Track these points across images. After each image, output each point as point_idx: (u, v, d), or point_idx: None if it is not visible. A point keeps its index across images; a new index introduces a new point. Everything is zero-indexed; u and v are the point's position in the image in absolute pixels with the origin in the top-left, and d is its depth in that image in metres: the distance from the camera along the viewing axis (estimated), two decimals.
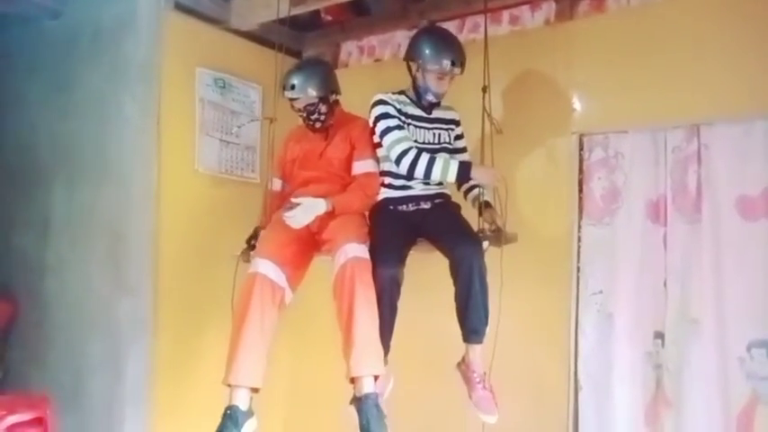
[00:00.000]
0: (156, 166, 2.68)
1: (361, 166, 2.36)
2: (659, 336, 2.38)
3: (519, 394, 2.55)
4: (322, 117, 2.39)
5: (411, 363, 2.46)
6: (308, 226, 2.20)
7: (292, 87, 2.33)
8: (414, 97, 2.36)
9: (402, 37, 3.14)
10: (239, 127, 3.01)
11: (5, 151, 3.19)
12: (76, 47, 2.89)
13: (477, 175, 2.21)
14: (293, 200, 2.19)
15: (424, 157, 2.20)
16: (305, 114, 2.38)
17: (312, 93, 2.34)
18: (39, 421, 2.39)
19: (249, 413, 2.05)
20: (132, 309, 2.63)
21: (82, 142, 2.85)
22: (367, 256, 2.09)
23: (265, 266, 2.12)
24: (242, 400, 2.02)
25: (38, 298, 2.95)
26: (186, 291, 2.80)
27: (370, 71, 3.19)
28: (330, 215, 2.23)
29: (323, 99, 2.37)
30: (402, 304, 2.17)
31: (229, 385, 2.05)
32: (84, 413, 2.68)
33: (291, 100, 2.38)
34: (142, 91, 2.68)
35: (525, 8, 2.78)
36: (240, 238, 2.48)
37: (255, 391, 2.09)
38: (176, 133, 2.76)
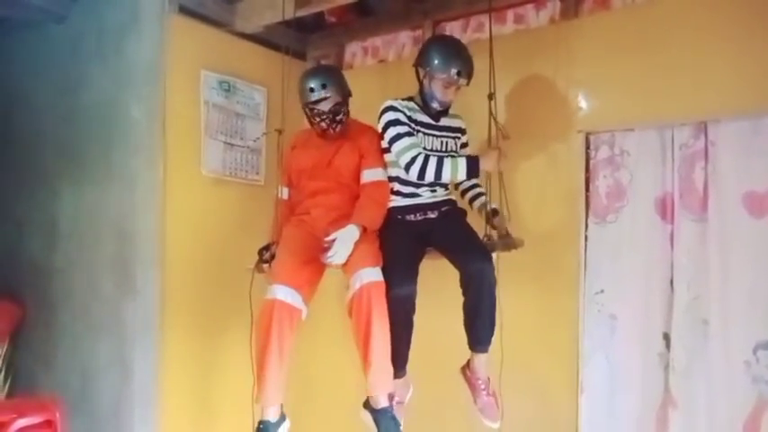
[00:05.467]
0: (162, 169, 2.68)
1: (370, 175, 2.35)
2: (665, 337, 2.36)
3: (527, 396, 2.54)
4: (344, 119, 2.39)
5: (426, 366, 2.46)
6: (321, 242, 2.22)
7: (323, 86, 2.32)
8: (422, 104, 2.36)
9: (406, 37, 3.15)
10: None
11: (12, 155, 3.20)
12: (81, 50, 2.91)
13: (485, 165, 2.22)
14: (326, 239, 2.20)
15: (433, 161, 2.22)
16: (330, 117, 2.35)
17: (336, 93, 2.35)
18: (48, 424, 2.39)
19: (280, 421, 2.19)
20: (139, 310, 2.64)
21: (88, 145, 2.86)
22: (381, 278, 2.13)
23: (283, 292, 2.15)
24: (272, 414, 2.16)
25: (45, 300, 2.97)
26: (192, 291, 2.81)
27: (375, 72, 3.19)
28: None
29: (344, 100, 2.39)
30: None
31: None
32: (93, 415, 2.70)
33: (316, 102, 2.33)
34: (147, 94, 2.69)
35: (530, 7, 2.78)
36: (244, 239, 2.49)
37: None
38: (181, 136, 2.77)
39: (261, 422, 2.15)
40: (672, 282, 2.35)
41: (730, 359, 2.21)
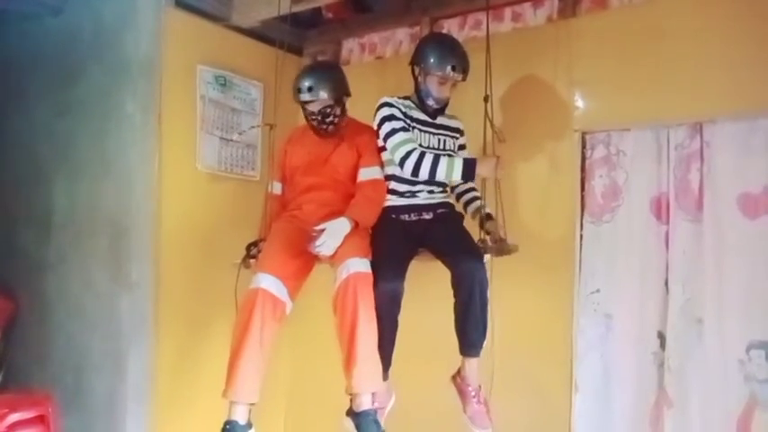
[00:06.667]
0: (157, 164, 2.67)
1: (368, 173, 2.33)
2: (660, 336, 2.37)
3: (522, 395, 2.54)
4: (335, 120, 2.35)
5: (413, 371, 2.45)
6: (310, 234, 2.18)
7: (309, 89, 2.28)
8: (418, 102, 2.35)
9: (403, 34, 3.14)
10: (240, 134, 3.01)
11: (6, 148, 3.18)
12: (77, 44, 2.89)
13: (481, 170, 2.19)
14: (315, 228, 2.14)
15: (428, 157, 2.19)
16: (319, 118, 2.33)
17: (326, 95, 2.30)
18: (41, 419, 2.39)
19: (248, 426, 2.07)
20: (133, 306, 2.63)
21: (83, 139, 2.84)
22: (369, 270, 2.08)
23: (268, 282, 2.10)
24: (240, 415, 2.04)
25: (39, 295, 2.95)
26: (187, 287, 2.80)
27: (372, 68, 3.18)
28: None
29: (337, 101, 2.34)
30: (402, 312, 2.17)
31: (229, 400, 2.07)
32: (86, 411, 2.69)
33: (305, 103, 2.33)
34: (143, 88, 2.67)
35: (527, 5, 2.77)
36: (240, 235, 2.48)
37: (252, 404, 2.10)
38: (177, 131, 2.76)
39: (228, 422, 2.01)
40: (666, 282, 2.36)
41: (724, 358, 2.23)
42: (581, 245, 2.54)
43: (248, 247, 2.38)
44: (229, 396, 2.04)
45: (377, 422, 2.03)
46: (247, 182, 3.07)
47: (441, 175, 2.20)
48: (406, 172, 2.23)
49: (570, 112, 2.59)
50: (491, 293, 2.14)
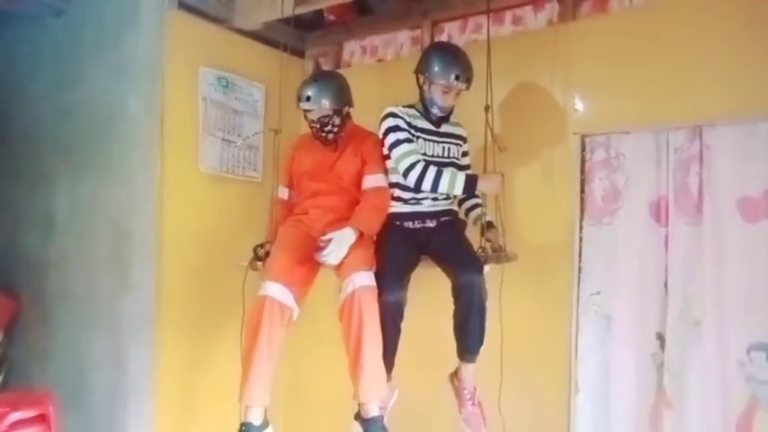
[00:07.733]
0: (159, 165, 2.68)
1: (372, 181, 2.36)
2: (659, 337, 2.38)
3: (521, 396, 2.55)
4: (335, 129, 2.38)
5: (414, 372, 2.46)
6: (316, 242, 2.21)
7: (308, 99, 2.33)
8: (423, 111, 2.38)
9: (405, 37, 3.15)
10: (245, 139, 3.02)
11: (9, 149, 3.20)
12: (80, 45, 2.90)
13: (483, 186, 2.24)
14: (322, 238, 2.19)
15: (432, 171, 2.22)
16: (318, 126, 2.37)
17: (326, 105, 2.34)
18: (42, 418, 2.39)
19: (263, 425, 2.14)
20: (135, 305, 2.64)
21: (85, 140, 2.85)
22: (374, 283, 2.13)
23: (275, 290, 2.15)
24: (255, 417, 2.12)
25: (41, 295, 2.96)
26: (189, 287, 2.81)
27: (373, 71, 3.20)
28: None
29: (337, 111, 2.37)
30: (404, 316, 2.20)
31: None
32: (87, 410, 2.69)
33: (305, 111, 2.38)
34: (145, 89, 2.69)
35: (528, 8, 2.79)
36: (241, 235, 2.49)
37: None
38: (179, 132, 2.77)
39: (243, 424, 2.10)
40: (666, 284, 2.36)
41: (724, 359, 2.23)
42: (581, 247, 2.54)
43: (255, 249, 2.40)
44: (244, 401, 2.11)
45: (384, 428, 2.12)
46: (249, 183, 3.08)
47: (443, 189, 2.24)
48: (410, 183, 2.26)
49: (570, 115, 2.60)
50: (492, 294, 2.17)
